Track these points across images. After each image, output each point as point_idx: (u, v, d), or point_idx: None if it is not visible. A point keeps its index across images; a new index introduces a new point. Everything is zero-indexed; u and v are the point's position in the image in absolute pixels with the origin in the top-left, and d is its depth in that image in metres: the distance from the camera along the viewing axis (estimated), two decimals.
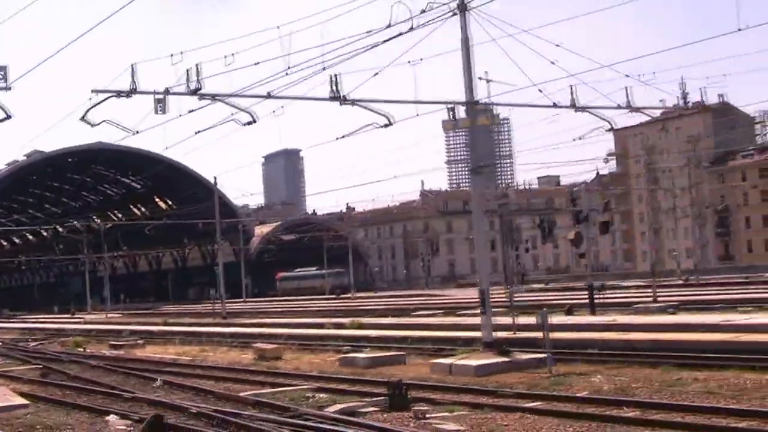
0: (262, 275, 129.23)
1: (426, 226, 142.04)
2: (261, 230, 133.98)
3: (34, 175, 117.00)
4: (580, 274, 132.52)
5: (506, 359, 21.18)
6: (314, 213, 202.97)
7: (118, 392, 21.42)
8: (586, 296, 41.22)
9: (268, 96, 20.16)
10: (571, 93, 23.20)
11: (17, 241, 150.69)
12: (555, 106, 23.56)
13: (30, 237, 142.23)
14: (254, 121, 20.25)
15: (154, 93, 19.45)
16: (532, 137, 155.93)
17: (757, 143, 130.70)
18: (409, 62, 20.45)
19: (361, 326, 37.64)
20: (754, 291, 45.69)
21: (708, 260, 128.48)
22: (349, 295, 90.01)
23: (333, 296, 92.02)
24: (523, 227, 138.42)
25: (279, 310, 67.43)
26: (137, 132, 22.07)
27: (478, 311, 43.47)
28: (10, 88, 20.21)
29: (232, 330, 41.08)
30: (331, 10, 21.60)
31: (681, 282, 65.79)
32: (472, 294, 73.91)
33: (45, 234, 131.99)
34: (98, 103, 19.44)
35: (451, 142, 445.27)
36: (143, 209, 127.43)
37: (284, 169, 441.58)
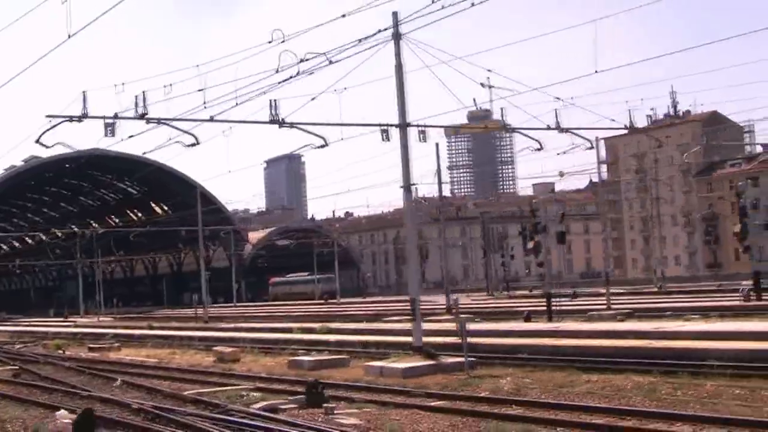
0: (257, 280, 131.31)
1: (418, 233, 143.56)
2: (256, 235, 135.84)
3: (32, 180, 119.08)
4: (570, 281, 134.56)
5: (432, 362, 22.96)
6: (312, 218, 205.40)
7: (77, 391, 23.22)
8: (558, 303, 43.34)
9: (211, 119, 22.03)
10: (502, 115, 25.04)
11: (17, 244, 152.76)
12: (486, 128, 25.37)
13: (29, 241, 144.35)
14: (197, 143, 22.16)
15: (104, 118, 21.32)
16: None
17: (745, 152, 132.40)
18: (335, 91, 22.30)
19: (329, 331, 39.47)
20: (716, 299, 47.27)
21: (697, 267, 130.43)
22: (334, 301, 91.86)
23: (321, 301, 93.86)
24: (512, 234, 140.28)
25: (262, 315, 69.19)
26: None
27: (444, 317, 45.46)
28: None
29: (204, 334, 42.88)
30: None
31: (656, 289, 67.45)
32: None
33: (44, 238, 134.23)
34: (52, 127, 21.32)
35: (453, 148, 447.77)
36: (139, 214, 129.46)
37: (286, 173, 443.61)
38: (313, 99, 21.90)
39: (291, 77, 20.50)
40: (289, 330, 41.06)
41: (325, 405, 17.45)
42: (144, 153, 25.09)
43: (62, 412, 19.11)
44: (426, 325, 37.88)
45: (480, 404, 17.18)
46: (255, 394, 20.68)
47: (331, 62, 20.83)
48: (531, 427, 14.23)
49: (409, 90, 23.99)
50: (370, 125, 23.68)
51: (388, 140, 23.01)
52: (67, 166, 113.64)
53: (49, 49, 21.24)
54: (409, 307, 57.28)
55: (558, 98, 25.42)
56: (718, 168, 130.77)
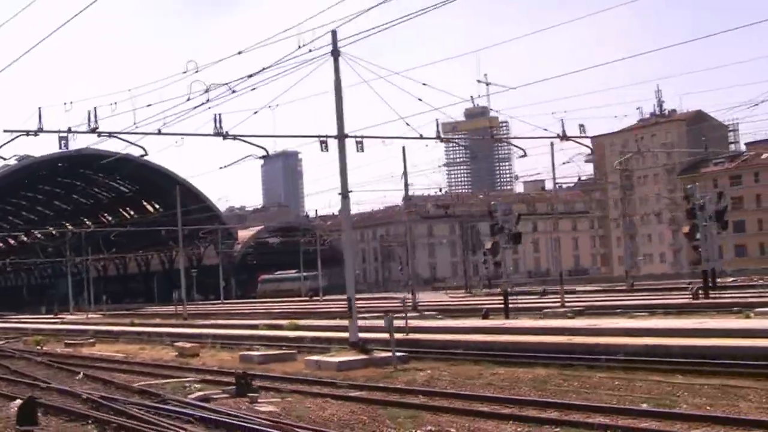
0: (248, 277, 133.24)
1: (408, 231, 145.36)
2: (246, 233, 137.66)
3: (25, 179, 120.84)
4: (556, 279, 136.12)
5: (366, 356, 24.81)
6: (306, 216, 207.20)
7: (39, 383, 25.09)
8: (534, 300, 45.33)
9: (159, 133, 23.88)
10: (437, 126, 26.84)
11: (12, 242, 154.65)
12: (422, 137, 27.25)
13: (25, 239, 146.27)
14: (146, 154, 24.01)
15: (59, 132, 23.17)
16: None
17: (729, 151, 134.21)
18: (276, 105, 24.16)
19: (296, 327, 41.28)
20: (671, 297, 48.98)
21: (681, 265, 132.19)
22: (318, 298, 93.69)
23: (306, 298, 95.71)
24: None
25: (243, 311, 71.02)
26: None
27: (411, 314, 47.28)
28: None
29: (176, 330, 44.74)
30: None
31: (626, 287, 69.22)
32: (432, 297, 77.76)
33: (39, 236, 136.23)
34: (10, 141, 23.18)
35: (451, 145, 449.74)
36: (132, 212, 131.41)
37: (283, 170, 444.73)
38: (255, 113, 23.76)
39: (201, 104, 22.33)
40: (256, 327, 42.86)
41: (251, 394, 19.30)
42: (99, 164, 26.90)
43: (18, 401, 20.96)
44: (376, 323, 39.95)
45: (391, 394, 19.01)
46: (197, 385, 22.52)
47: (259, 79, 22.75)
48: (420, 413, 16.04)
49: (349, 102, 25.89)
50: (309, 136, 25.55)
51: (327, 150, 24.86)
52: (59, 164, 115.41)
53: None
54: (389, 305, 59.22)
55: (496, 111, 27.21)
56: (702, 166, 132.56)
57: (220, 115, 23.54)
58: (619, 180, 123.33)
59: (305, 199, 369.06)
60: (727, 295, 43.96)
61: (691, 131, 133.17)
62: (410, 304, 52.42)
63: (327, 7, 21.99)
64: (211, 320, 57.41)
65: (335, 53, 25.07)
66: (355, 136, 25.44)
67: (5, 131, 23.32)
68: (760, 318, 30.63)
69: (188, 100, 22.35)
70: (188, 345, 32.19)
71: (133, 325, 57.22)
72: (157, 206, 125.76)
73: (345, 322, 43.65)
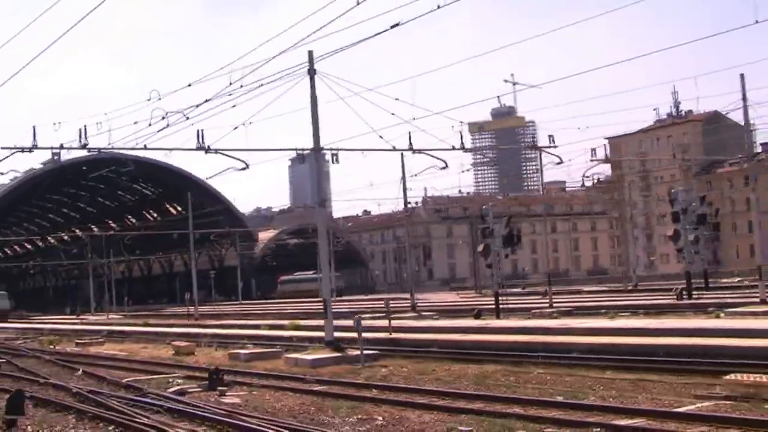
0: (270, 278, 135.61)
1: (427, 232, 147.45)
2: (267, 235, 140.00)
3: (51, 183, 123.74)
4: (578, 278, 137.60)
5: (339, 354, 26.68)
6: (331, 217, 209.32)
7: (39, 378, 27.16)
8: (533, 300, 46.95)
9: (145, 147, 25.93)
10: (409, 138, 28.66)
11: (40, 244, 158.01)
12: (395, 149, 29.08)
13: (52, 241, 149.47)
14: (132, 168, 25.91)
15: (51, 148, 25.23)
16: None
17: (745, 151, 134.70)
18: (250, 123, 26.10)
19: (297, 327, 43.16)
20: (659, 298, 50.40)
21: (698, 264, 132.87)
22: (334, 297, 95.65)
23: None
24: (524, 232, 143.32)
25: (256, 312, 73.03)
26: None
27: (407, 314, 49.09)
28: None
29: (182, 330, 46.84)
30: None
31: (630, 288, 70.67)
32: (442, 297, 79.51)
33: (65, 237, 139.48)
34: (6, 157, 25.29)
35: (477, 144, 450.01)
36: (155, 214, 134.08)
37: (310, 171, 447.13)
38: (235, 128, 25.76)
39: (163, 128, 24.36)
40: (258, 327, 44.85)
41: (220, 388, 21.24)
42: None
43: None
44: (379, 322, 41.82)
45: (348, 388, 20.86)
46: (180, 380, 24.48)
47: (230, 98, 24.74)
48: (362, 405, 17.87)
49: (325, 116, 27.78)
50: (286, 149, 27.49)
51: (304, 163, 26.74)
52: (84, 168, 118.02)
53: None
54: (397, 305, 60.93)
55: (461, 122, 29.05)
56: (718, 167, 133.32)
57: (202, 130, 25.55)
58: (643, 178, 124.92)
59: (333, 200, 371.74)
60: (710, 296, 45.38)
61: (707, 132, 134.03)
62: (409, 304, 54.26)
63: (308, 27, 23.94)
64: (221, 321, 59.48)
65: (311, 72, 26.97)
66: (330, 149, 27.38)
67: (2, 148, 25.44)
68: (726, 318, 32.18)
69: (149, 125, 24.35)
70: (184, 344, 34.19)
71: (146, 325, 59.38)
72: (179, 208, 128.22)
73: (348, 322, 45.96)
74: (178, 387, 22.53)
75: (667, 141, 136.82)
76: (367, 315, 54.20)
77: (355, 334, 30.90)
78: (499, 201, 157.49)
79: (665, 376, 18.89)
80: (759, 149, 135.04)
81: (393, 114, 27.50)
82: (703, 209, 45.22)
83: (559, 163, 31.51)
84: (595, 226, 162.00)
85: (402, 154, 54.40)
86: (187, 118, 24.63)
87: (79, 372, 28.87)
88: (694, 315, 35.59)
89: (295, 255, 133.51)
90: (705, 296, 45.56)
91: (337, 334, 30.08)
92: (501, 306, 42.38)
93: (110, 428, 17.08)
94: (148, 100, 24.14)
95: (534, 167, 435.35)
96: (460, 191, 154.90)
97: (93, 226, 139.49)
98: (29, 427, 18.21)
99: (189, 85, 24.62)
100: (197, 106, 24.48)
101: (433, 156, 29.82)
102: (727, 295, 47.03)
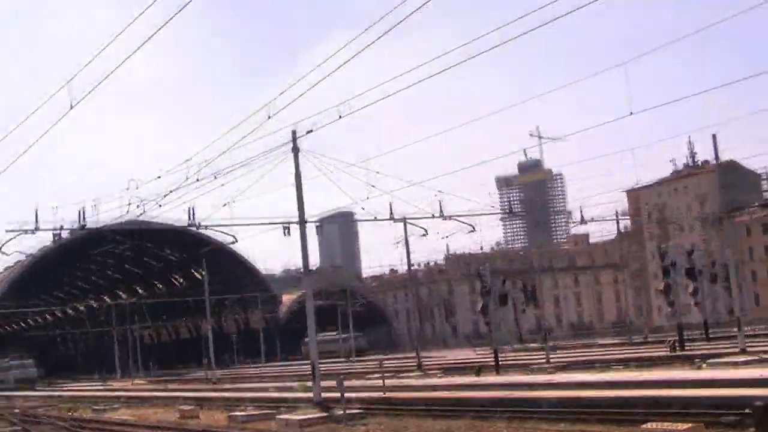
0: (294, 338, 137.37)
1: (450, 289, 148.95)
2: (291, 297, 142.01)
3: (79, 250, 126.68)
4: (601, 330, 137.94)
5: (326, 414, 28.35)
6: (358, 277, 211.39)
7: None
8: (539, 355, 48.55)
9: (140, 216, 28.03)
10: (390, 207, 30.60)
11: (70, 311, 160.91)
12: (376, 219, 31.02)
13: (81, 307, 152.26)
14: (127, 245, 27.94)
15: (52, 230, 27.46)
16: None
17: (763, 199, 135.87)
18: (233, 202, 28.21)
19: (305, 389, 44.79)
20: (659, 350, 51.68)
21: (719, 314, 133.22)
22: (354, 358, 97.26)
23: (343, 359, 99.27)
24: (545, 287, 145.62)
25: (274, 374, 74.58)
26: None
27: (412, 374, 50.62)
28: None
29: (196, 394, 48.66)
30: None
31: (637, 340, 71.72)
32: (457, 354, 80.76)
33: (94, 305, 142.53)
34: (11, 239, 27.50)
35: (505, 199, 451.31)
36: (180, 279, 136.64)
37: (339, 231, 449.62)
38: (224, 205, 27.85)
39: (139, 215, 26.48)
40: (266, 389, 46.56)
41: None
42: None
43: None
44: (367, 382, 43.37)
45: None
46: None
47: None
48: None
49: (310, 187, 29.83)
50: (274, 223, 29.48)
51: (289, 235, 28.75)
52: (109, 236, 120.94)
53: None
54: (408, 364, 61.95)
55: (440, 191, 31.01)
56: (735, 215, 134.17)
57: (193, 208, 27.67)
58: (662, 229, 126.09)
59: (362, 259, 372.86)
60: (703, 347, 46.64)
61: (722, 181, 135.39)
62: (414, 363, 55.75)
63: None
64: (237, 384, 61.19)
65: (295, 150, 29.05)
66: (314, 221, 29.38)
67: (7, 231, 27.70)
68: (706, 369, 33.60)
69: (127, 212, 26.54)
70: (189, 408, 35.96)
71: (166, 390, 61.15)
72: (203, 273, 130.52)
73: (359, 382, 47.63)
74: None
75: (684, 191, 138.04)
76: (376, 375, 56.00)
77: (350, 394, 32.75)
78: (521, 256, 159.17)
79: (595, 426, 20.47)
80: None
81: (373, 186, 29.48)
82: (692, 263, 46.58)
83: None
84: (617, 277, 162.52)
85: (405, 222, 56.59)
86: (160, 205, 26.79)
87: None
88: (679, 367, 36.97)
89: (320, 315, 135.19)
90: (701, 347, 46.81)
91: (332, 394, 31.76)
92: (508, 361, 43.92)
93: None
94: (127, 189, 26.38)
95: (563, 219, 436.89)
96: (481, 248, 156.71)
97: (120, 293, 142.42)
98: None
99: (158, 178, 26.84)
100: (164, 196, 26.65)
101: (415, 225, 31.68)
102: (722, 346, 48.11)
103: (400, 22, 19.64)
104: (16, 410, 51.10)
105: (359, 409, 29.08)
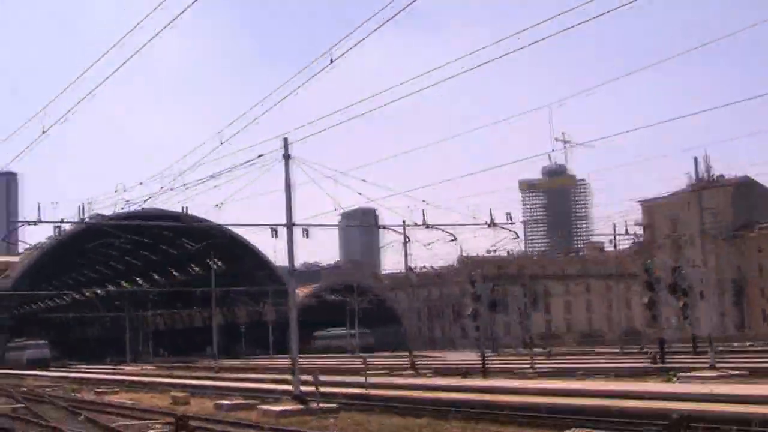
0: (307, 332, 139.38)
1: (461, 290, 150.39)
2: (305, 290, 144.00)
3: (97, 237, 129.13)
4: (610, 339, 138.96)
5: (303, 407, 30.19)
6: (374, 274, 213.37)
7: (42, 422, 31.04)
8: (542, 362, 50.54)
9: (138, 223, 29.84)
10: (375, 216, 32.31)
11: (87, 294, 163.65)
12: (360, 225, 32.74)
13: (98, 291, 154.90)
14: (130, 240, 29.91)
15: (54, 222, 29.41)
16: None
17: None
18: (222, 204, 30.08)
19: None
20: (637, 361, 53.21)
21: (725, 328, 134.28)
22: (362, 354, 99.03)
23: (350, 355, 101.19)
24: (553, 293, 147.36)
25: (278, 366, 76.43)
26: None
27: (405, 372, 52.34)
28: None
29: (195, 382, 50.71)
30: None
31: (629, 351, 73.23)
32: (458, 357, 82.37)
33: (111, 288, 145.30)
34: (15, 228, 29.43)
35: (527, 203, 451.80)
36: (197, 268, 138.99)
37: (360, 227, 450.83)
38: (216, 206, 29.72)
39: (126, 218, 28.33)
40: (262, 380, 48.50)
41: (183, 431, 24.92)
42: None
43: None
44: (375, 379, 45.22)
45: None
46: (157, 426, 28.18)
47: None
48: None
49: (300, 193, 31.68)
50: (261, 225, 31.33)
51: (277, 237, 30.62)
52: (126, 222, 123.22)
53: None
54: (405, 363, 63.68)
55: (424, 201, 32.77)
56: (749, 231, 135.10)
57: (187, 207, 29.53)
58: (675, 242, 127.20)
59: (381, 255, 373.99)
60: (685, 360, 48.11)
61: (737, 196, 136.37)
62: (408, 363, 57.52)
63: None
64: (238, 374, 63.19)
65: (286, 157, 30.89)
66: (302, 225, 31.17)
67: (11, 221, 29.63)
68: (677, 383, 35.25)
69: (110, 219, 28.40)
70: (182, 394, 37.95)
71: (170, 376, 63.27)
72: (219, 263, 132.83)
73: (350, 378, 49.43)
74: (153, 431, 26.24)
75: (698, 205, 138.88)
76: (371, 372, 57.75)
77: (335, 389, 34.74)
78: (531, 261, 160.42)
79: (526, 429, 22.21)
80: None
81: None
82: (675, 279, 48.06)
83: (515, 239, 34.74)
84: (629, 287, 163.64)
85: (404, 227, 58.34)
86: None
87: (81, 417, 32.66)
88: (653, 379, 38.56)
89: (333, 311, 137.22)
90: (682, 360, 48.29)
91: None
92: (501, 365, 45.60)
93: None
94: (115, 191, 28.34)
95: (585, 225, 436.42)
96: (495, 251, 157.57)
97: (138, 279, 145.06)
98: None
99: (140, 183, 28.79)
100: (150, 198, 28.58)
101: (398, 232, 33.49)
102: (705, 360, 49.46)
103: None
104: (24, 389, 53.39)
105: (337, 403, 30.87)
